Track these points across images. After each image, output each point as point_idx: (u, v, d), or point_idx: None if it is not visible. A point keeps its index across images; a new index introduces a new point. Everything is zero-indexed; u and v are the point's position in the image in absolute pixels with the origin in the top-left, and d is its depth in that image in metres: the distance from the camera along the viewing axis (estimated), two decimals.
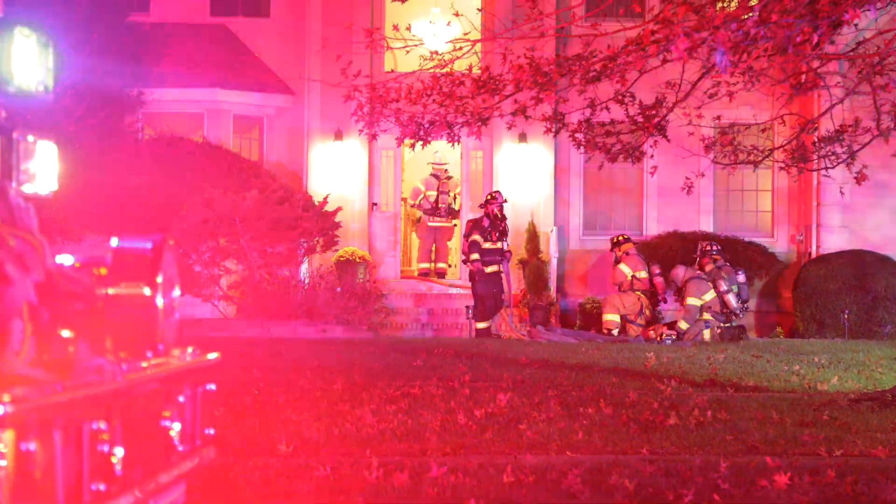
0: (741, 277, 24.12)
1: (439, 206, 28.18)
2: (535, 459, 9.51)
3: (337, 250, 25.66)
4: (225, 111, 26.86)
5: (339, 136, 26.79)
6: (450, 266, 28.82)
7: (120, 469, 3.19)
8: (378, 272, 26.95)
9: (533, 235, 26.91)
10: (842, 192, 17.77)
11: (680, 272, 23.96)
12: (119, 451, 3.18)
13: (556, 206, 27.72)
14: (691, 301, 23.45)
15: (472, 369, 15.60)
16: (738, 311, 23.68)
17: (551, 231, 27.03)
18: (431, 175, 28.40)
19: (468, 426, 10.97)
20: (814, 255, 27.16)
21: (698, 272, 23.83)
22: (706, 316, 23.62)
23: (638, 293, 24.22)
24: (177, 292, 3.80)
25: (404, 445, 10.09)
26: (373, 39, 13.41)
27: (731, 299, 23.57)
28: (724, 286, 23.64)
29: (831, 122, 15.53)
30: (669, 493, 8.43)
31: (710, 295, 23.57)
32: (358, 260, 25.99)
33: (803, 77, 14.01)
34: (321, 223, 24.53)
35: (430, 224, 28.18)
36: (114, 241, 3.64)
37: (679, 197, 24.45)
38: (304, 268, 25.29)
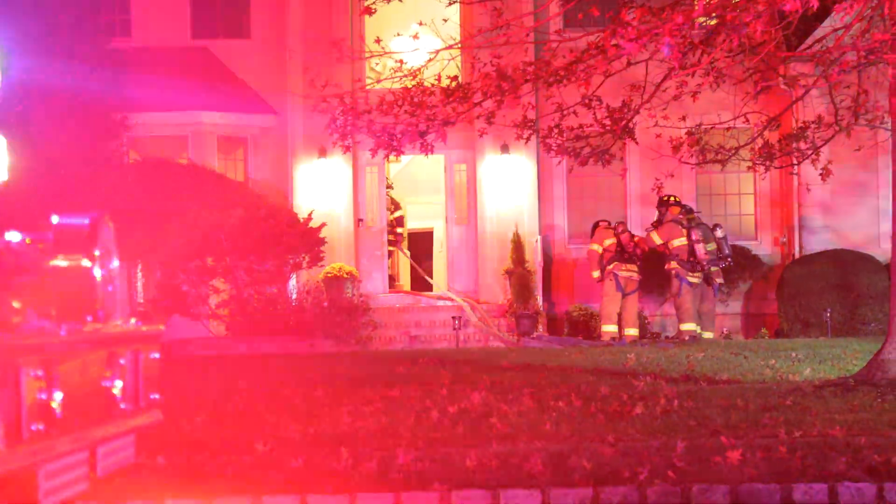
0: (719, 232, 24.51)
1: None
2: (500, 447, 9.87)
3: (323, 266, 25.92)
4: (209, 133, 27.18)
5: (322, 153, 27.07)
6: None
7: (59, 414, 3.53)
8: (365, 287, 27.20)
9: (518, 245, 27.16)
10: (808, 189, 18.13)
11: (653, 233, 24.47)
12: (58, 398, 3.53)
13: (540, 215, 27.99)
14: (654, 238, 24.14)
15: (452, 374, 15.89)
16: (705, 263, 23.99)
17: (536, 240, 27.30)
18: None
19: (441, 421, 11.31)
20: (797, 256, 27.43)
21: (673, 217, 24.28)
22: (673, 264, 24.00)
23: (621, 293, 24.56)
24: (115, 264, 4.15)
25: (377, 440, 10.42)
26: (341, 52, 13.76)
27: (700, 249, 23.89)
28: (696, 235, 23.99)
29: (793, 119, 15.88)
30: (626, 471, 8.78)
31: (679, 241, 24.00)
32: (345, 275, 26.23)
33: (763, 74, 14.35)
34: (306, 240, 24.83)
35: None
36: (55, 219, 4.00)
37: None
38: (291, 284, 25.58)
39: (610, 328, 24.56)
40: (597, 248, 24.85)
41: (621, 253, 24.67)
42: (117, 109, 25.71)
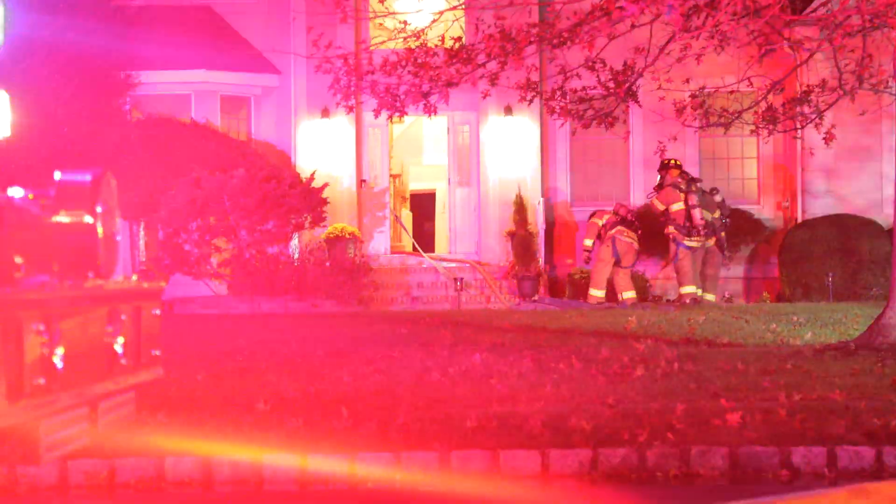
0: (718, 196, 24.46)
1: None
2: (500, 408, 9.90)
3: (326, 227, 25.95)
4: (212, 92, 27.14)
5: (326, 113, 27.06)
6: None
7: (61, 369, 3.55)
8: (367, 248, 27.23)
9: (521, 207, 27.18)
10: (811, 153, 18.10)
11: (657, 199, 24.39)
12: (59, 353, 3.55)
13: (543, 177, 27.98)
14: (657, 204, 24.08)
15: (454, 335, 15.90)
16: (700, 228, 23.92)
17: (538, 203, 27.32)
18: None
19: (441, 382, 11.33)
20: (799, 220, 27.43)
21: (672, 181, 24.19)
22: (671, 229, 23.91)
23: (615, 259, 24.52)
24: (117, 221, 4.16)
25: (378, 400, 10.45)
26: (345, 12, 13.72)
27: (696, 214, 23.83)
28: (693, 200, 23.93)
29: (797, 83, 15.84)
30: (625, 433, 8.81)
31: (676, 206, 23.94)
32: (347, 236, 26.25)
33: (767, 37, 14.31)
34: (309, 200, 24.83)
35: None
36: (57, 175, 4.01)
37: None
38: (293, 244, 25.61)
39: (597, 293, 24.50)
40: (597, 220, 24.79)
41: (623, 219, 24.63)
42: (120, 67, 25.65)
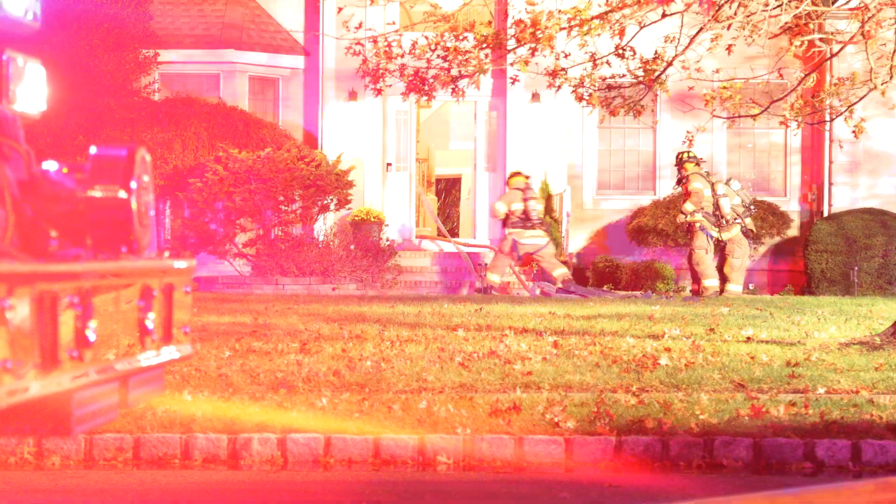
0: (735, 185, 24.31)
1: None
2: (524, 394, 9.92)
3: (351, 209, 26.02)
4: (240, 72, 27.21)
5: (353, 96, 27.10)
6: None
7: (93, 343, 3.57)
8: (392, 231, 27.30)
9: (545, 194, 27.17)
10: (841, 146, 18.00)
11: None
12: (92, 326, 3.56)
13: (569, 165, 27.99)
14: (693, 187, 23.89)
15: (477, 320, 15.92)
16: (728, 218, 23.83)
17: (564, 190, 27.30)
18: None
19: (464, 366, 11.34)
20: (825, 213, 27.40)
21: (696, 171, 24.07)
22: (698, 217, 23.77)
23: None
24: (150, 197, 4.18)
25: (402, 383, 10.48)
26: None
27: (725, 204, 23.73)
28: (720, 190, 23.85)
29: (828, 75, 15.77)
30: (649, 421, 8.81)
31: (706, 192, 23.87)
32: (372, 219, 26.32)
33: (799, 29, 14.27)
34: (335, 182, 24.88)
35: None
36: (93, 149, 4.03)
37: None
38: (318, 226, 25.69)
39: (496, 277, 24.52)
40: (503, 207, 24.62)
41: (525, 220, 24.47)
42: (150, 45, 25.75)
